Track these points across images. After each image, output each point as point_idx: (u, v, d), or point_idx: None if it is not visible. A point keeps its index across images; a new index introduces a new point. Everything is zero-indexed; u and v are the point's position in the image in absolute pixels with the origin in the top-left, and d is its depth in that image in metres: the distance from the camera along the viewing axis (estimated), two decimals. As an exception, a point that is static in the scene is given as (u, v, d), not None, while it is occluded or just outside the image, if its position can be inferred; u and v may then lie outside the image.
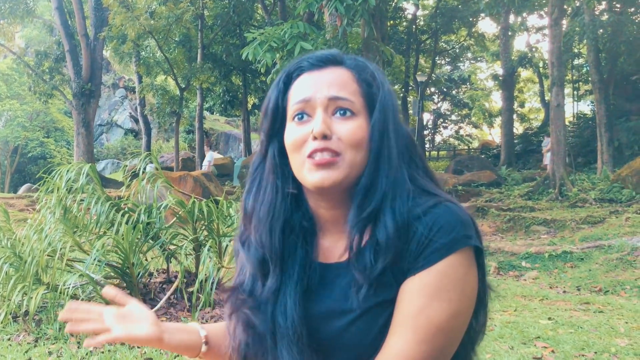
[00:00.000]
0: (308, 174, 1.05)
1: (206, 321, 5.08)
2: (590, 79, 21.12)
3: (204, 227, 5.62)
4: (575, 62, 26.99)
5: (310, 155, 1.04)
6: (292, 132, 1.08)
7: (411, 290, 1.00)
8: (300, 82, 1.10)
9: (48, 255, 5.07)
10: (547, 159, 17.38)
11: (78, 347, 4.44)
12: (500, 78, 28.08)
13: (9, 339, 4.74)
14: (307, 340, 1.06)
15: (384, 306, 1.02)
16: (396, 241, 1.01)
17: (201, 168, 21.51)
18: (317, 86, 1.07)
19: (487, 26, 78.15)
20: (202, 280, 5.14)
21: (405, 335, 0.98)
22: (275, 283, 1.10)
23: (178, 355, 4.22)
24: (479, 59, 38.96)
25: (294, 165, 1.09)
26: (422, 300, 0.98)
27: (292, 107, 1.09)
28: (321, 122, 1.04)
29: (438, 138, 44.93)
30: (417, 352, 0.97)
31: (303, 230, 1.13)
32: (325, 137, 1.03)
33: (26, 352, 4.37)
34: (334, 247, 1.12)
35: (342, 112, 1.06)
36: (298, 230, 1.12)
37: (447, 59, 38.12)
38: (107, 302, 1.21)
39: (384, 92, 1.09)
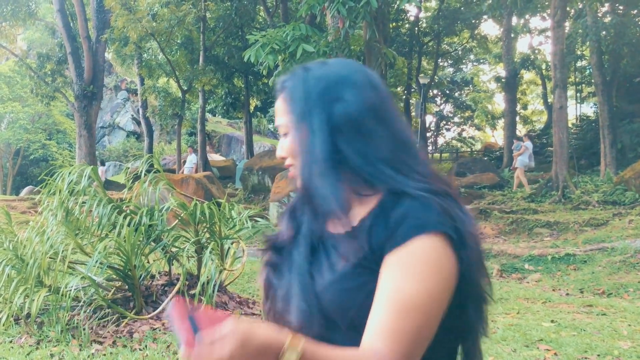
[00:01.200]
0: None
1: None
2: (593, 81, 21.10)
3: (206, 230, 5.62)
4: (578, 64, 26.94)
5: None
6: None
7: (388, 268, 1.09)
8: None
9: (50, 258, 5.07)
10: (517, 162, 17.27)
11: (80, 350, 4.43)
12: (502, 80, 28.06)
13: (11, 342, 4.73)
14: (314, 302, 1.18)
15: (360, 272, 1.13)
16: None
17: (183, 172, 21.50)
18: (278, 116, 1.30)
19: (489, 28, 78.14)
20: (204, 283, 5.13)
21: (385, 310, 1.07)
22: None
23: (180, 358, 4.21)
24: (481, 61, 38.97)
25: None
26: (397, 276, 1.07)
27: None
28: (278, 148, 1.31)
29: (441, 140, 44.95)
30: (396, 326, 1.06)
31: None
32: (283, 157, 1.30)
33: (28, 354, 4.36)
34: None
35: (283, 135, 1.29)
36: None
37: (449, 61, 38.13)
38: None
39: (297, 96, 1.25)
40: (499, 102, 42.22)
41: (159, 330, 4.89)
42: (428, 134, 38.77)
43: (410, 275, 1.07)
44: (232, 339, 0.97)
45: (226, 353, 0.96)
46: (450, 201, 1.14)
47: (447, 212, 1.11)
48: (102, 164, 24.73)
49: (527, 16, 26.12)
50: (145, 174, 5.86)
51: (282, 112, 1.28)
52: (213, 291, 5.09)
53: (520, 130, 34.71)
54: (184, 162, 22.82)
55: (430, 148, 39.25)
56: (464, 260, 1.11)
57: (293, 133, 1.25)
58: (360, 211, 1.21)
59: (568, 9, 19.12)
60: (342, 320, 1.15)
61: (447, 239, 1.09)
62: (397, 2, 10.57)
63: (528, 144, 17.43)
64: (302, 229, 1.31)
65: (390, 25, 24.30)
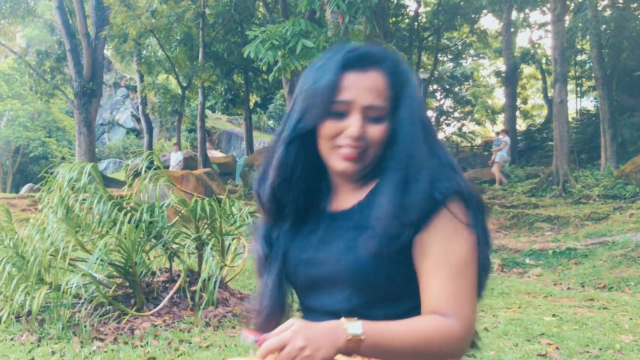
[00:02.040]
0: (335, 161, 1.27)
1: (209, 320, 5.07)
2: (593, 75, 21.05)
3: (206, 226, 5.62)
4: (578, 58, 26.89)
5: (340, 147, 1.26)
6: (330, 125, 1.26)
7: (429, 240, 1.20)
8: (345, 82, 1.25)
9: (50, 255, 5.07)
10: (497, 157, 17.52)
11: (81, 347, 4.43)
12: (502, 75, 28.02)
13: (12, 339, 4.73)
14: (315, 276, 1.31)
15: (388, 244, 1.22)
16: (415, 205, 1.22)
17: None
18: (358, 91, 1.24)
19: (489, 23, 77.88)
20: (205, 279, 5.13)
21: (441, 275, 1.18)
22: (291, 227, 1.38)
23: (182, 354, 4.21)
24: (481, 55, 38.88)
25: (323, 148, 1.29)
26: (443, 243, 1.19)
27: (335, 102, 1.25)
28: (358, 127, 1.23)
29: (441, 135, 44.90)
30: (456, 286, 1.18)
31: (320, 190, 1.39)
32: (357, 138, 1.24)
33: (29, 351, 4.36)
34: (343, 201, 1.35)
35: (374, 119, 1.24)
36: (313, 189, 1.38)
37: (449, 56, 38.05)
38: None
39: (411, 92, 1.27)
40: (499, 97, 42.19)
41: (160, 327, 4.88)
42: (428, 129, 38.59)
43: (454, 237, 1.19)
44: (297, 325, 1.11)
45: (288, 335, 1.09)
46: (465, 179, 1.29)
47: (468, 184, 1.26)
48: None
49: (527, 10, 26.11)
50: (145, 171, 5.86)
51: (384, 95, 1.25)
52: (214, 287, 5.09)
53: (520, 125, 34.67)
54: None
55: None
56: (480, 229, 1.24)
57: (391, 123, 1.25)
58: (360, 193, 1.33)
59: (568, 2, 19.10)
60: (381, 291, 1.25)
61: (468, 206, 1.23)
62: (397, -3, 10.54)
63: (507, 139, 17.95)
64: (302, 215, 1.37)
65: (390, 20, 24.25)
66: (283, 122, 1.35)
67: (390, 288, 1.25)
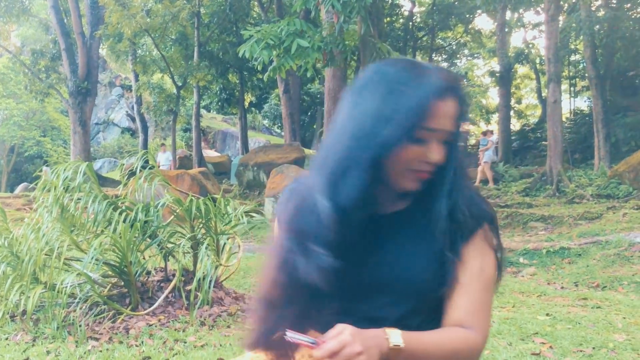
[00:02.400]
0: (406, 182, 1.30)
1: (204, 319, 5.08)
2: (587, 75, 21.11)
3: (201, 225, 5.62)
4: (572, 58, 26.95)
5: (416, 170, 1.28)
6: (412, 149, 1.26)
7: (468, 256, 1.30)
8: (434, 109, 1.24)
9: (45, 254, 5.07)
10: (486, 157, 17.66)
11: (76, 346, 4.44)
12: (497, 74, 28.04)
13: (6, 339, 4.73)
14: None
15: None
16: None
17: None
18: (444, 120, 1.26)
19: (483, 23, 77.99)
20: (200, 279, 5.14)
21: (472, 290, 1.29)
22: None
23: (177, 354, 4.22)
24: (475, 55, 38.92)
25: (395, 168, 1.28)
26: (479, 259, 1.30)
27: (420, 128, 1.24)
28: (442, 155, 1.27)
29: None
30: (483, 301, 1.30)
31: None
32: (435, 164, 1.29)
33: (24, 351, 4.37)
34: (390, 205, 1.37)
35: (437, 140, 1.27)
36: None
37: (444, 56, 38.08)
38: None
39: (465, 120, 1.33)
40: (493, 97, 42.26)
41: (155, 327, 4.89)
42: (423, 129, 38.68)
43: (486, 255, 1.31)
44: (351, 329, 1.15)
45: (349, 338, 1.13)
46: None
47: (493, 210, 1.37)
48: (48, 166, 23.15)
49: (521, 10, 26.15)
50: (140, 170, 5.86)
51: (452, 120, 1.28)
52: (209, 287, 5.10)
53: (514, 124, 34.74)
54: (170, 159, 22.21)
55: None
56: (500, 252, 1.39)
57: (456, 146, 1.31)
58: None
59: (562, 3, 19.15)
60: (426, 301, 1.32)
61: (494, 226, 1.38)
62: (392, -3, 10.55)
63: (493, 138, 18.07)
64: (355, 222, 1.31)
65: (385, 20, 24.27)
66: (347, 135, 1.28)
67: (433, 298, 1.31)
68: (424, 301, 1.30)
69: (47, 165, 22.31)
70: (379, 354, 1.15)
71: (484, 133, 19.71)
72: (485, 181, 17.66)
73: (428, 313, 1.32)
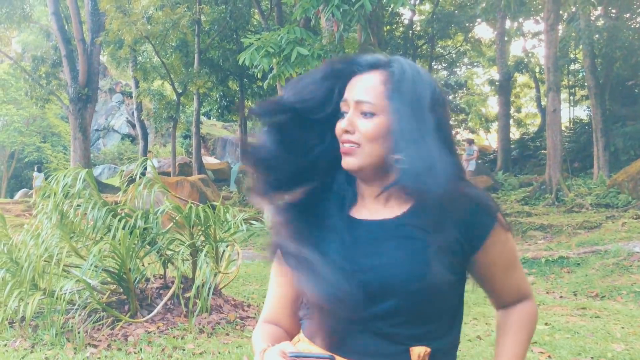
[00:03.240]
0: (342, 158, 1.31)
1: (203, 327, 5.08)
2: (586, 84, 21.15)
3: (200, 233, 5.63)
4: (572, 67, 27.02)
5: (342, 143, 1.31)
6: (337, 125, 1.32)
7: (496, 252, 1.33)
8: (349, 85, 1.33)
9: (45, 261, 5.07)
10: (471, 166, 17.79)
11: (75, 353, 4.43)
12: (496, 83, 28.12)
13: (5, 345, 4.73)
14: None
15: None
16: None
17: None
18: (353, 90, 1.31)
19: (483, 31, 78.20)
20: (199, 286, 5.14)
21: (514, 272, 1.40)
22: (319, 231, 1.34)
23: (175, 361, 4.22)
24: (475, 64, 39.00)
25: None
26: (506, 250, 1.36)
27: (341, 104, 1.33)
28: (346, 120, 1.29)
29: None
30: (521, 273, 1.43)
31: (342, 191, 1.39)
32: (347, 132, 1.29)
33: (23, 357, 4.36)
34: (374, 210, 1.35)
35: (364, 113, 1.29)
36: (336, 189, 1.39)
37: (443, 64, 38.16)
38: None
39: (406, 90, 1.28)
40: (492, 105, 42.27)
41: (154, 334, 4.89)
42: (422, 137, 38.64)
43: (508, 242, 1.36)
44: None
45: None
46: None
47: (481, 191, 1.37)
48: (39, 170, 22.61)
49: (520, 19, 26.23)
50: (140, 177, 5.87)
51: (375, 91, 1.29)
52: (208, 294, 5.10)
53: (514, 133, 34.78)
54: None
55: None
56: None
57: (387, 119, 1.27)
58: (397, 203, 1.34)
59: (561, 12, 19.21)
60: (427, 306, 1.29)
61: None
62: (391, 5, 10.59)
63: (475, 147, 18.22)
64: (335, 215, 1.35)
65: (385, 29, 24.33)
66: None
67: (436, 304, 1.28)
68: (421, 306, 1.26)
69: (39, 171, 22.28)
70: None
71: (469, 142, 19.79)
72: (489, 189, 17.68)
73: (425, 324, 1.28)
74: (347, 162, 1.30)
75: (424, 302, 1.25)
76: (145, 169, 6.12)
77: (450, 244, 1.27)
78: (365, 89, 1.29)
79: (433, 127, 1.27)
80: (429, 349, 1.24)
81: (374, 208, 1.35)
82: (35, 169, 23.22)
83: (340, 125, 1.30)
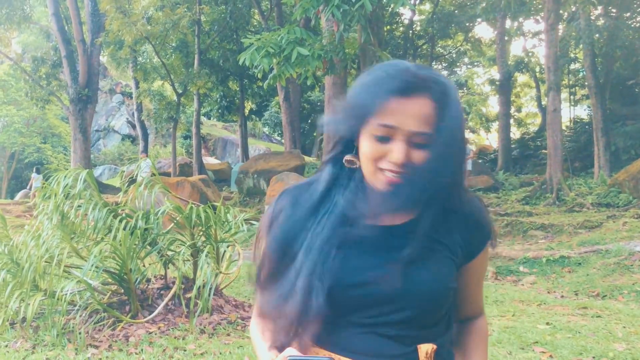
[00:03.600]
0: (378, 183, 1.26)
1: (204, 327, 5.07)
2: (586, 83, 21.18)
3: (201, 233, 5.62)
4: (572, 66, 27.02)
5: (383, 170, 1.25)
6: (372, 148, 1.25)
7: (478, 263, 1.40)
8: (389, 106, 1.22)
9: (45, 262, 5.07)
10: (468, 166, 17.81)
11: (76, 354, 4.43)
12: (497, 83, 28.13)
13: (6, 346, 4.73)
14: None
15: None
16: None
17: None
18: (403, 117, 1.21)
19: (483, 31, 78.34)
20: (200, 286, 5.13)
21: (480, 285, 1.47)
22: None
23: (176, 362, 4.22)
24: (475, 63, 39.02)
25: (366, 168, 1.28)
26: (485, 263, 1.44)
27: (376, 126, 1.23)
28: (402, 154, 1.22)
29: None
30: (482, 289, 1.49)
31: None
32: (402, 164, 1.23)
33: (24, 358, 4.36)
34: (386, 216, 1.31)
35: (416, 145, 1.22)
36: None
37: (443, 64, 38.17)
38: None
39: (453, 116, 1.24)
40: (493, 105, 42.32)
41: (155, 334, 4.89)
42: (423, 137, 38.69)
43: (488, 256, 1.44)
44: None
45: None
46: None
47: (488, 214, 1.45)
48: (37, 171, 22.58)
49: (520, 19, 26.22)
50: (140, 177, 5.87)
51: (430, 122, 1.22)
52: (209, 295, 5.10)
53: (514, 133, 34.79)
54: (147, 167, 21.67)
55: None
56: None
57: (437, 150, 1.22)
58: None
59: (561, 12, 19.21)
60: (435, 313, 1.32)
61: None
62: (392, 5, 10.59)
63: (471, 147, 18.19)
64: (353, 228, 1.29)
65: (385, 29, 24.33)
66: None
67: (444, 309, 1.32)
68: (431, 314, 1.29)
69: (37, 172, 22.31)
70: None
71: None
72: (489, 189, 17.71)
73: (431, 328, 1.31)
74: (388, 188, 1.25)
75: (437, 310, 1.29)
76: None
77: (456, 251, 1.32)
78: (420, 119, 1.22)
79: (463, 153, 1.29)
80: (435, 346, 1.26)
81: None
82: (34, 170, 23.24)
83: (394, 157, 1.22)
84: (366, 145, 1.25)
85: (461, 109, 1.28)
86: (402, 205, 1.26)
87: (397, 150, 1.22)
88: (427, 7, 30.82)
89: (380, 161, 1.24)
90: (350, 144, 1.33)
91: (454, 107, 1.24)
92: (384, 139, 1.23)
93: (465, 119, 1.36)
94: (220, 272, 5.66)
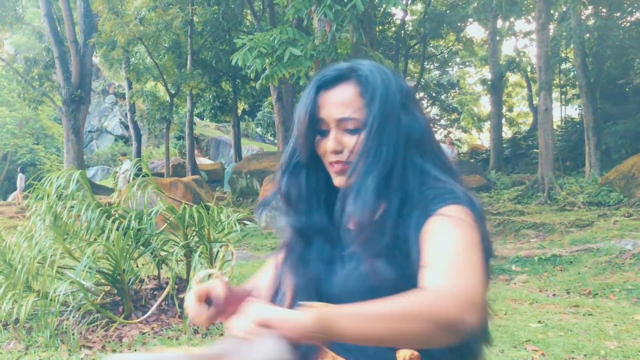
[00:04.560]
0: (333, 177, 1.29)
1: (198, 328, 5.08)
2: (577, 83, 21.27)
3: (194, 233, 5.63)
4: (563, 66, 27.15)
5: (331, 164, 1.28)
6: (317, 145, 1.28)
7: (427, 234, 1.14)
8: (319, 102, 1.27)
9: (38, 263, 5.06)
10: None
11: (69, 355, 4.43)
12: (488, 82, 28.21)
13: (-1, 347, 4.73)
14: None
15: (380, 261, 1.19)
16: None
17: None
18: (328, 107, 1.26)
19: (475, 31, 78.51)
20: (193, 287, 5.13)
21: (437, 256, 1.10)
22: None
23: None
24: (467, 63, 39.11)
25: (326, 165, 1.30)
26: (438, 234, 1.13)
27: (317, 123, 1.27)
28: (332, 141, 1.25)
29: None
30: (451, 262, 1.09)
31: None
32: (337, 152, 1.25)
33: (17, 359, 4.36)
34: None
35: (349, 130, 1.25)
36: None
37: (435, 64, 38.24)
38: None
39: (382, 97, 1.23)
40: (485, 105, 42.41)
41: (148, 335, 4.89)
42: (415, 137, 38.73)
43: (451, 228, 1.11)
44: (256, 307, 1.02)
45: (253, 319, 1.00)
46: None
47: (471, 197, 1.22)
48: (22, 171, 22.81)
49: (512, 19, 26.30)
50: (133, 178, 5.87)
51: (354, 106, 1.24)
52: (202, 295, 5.09)
53: (506, 132, 34.90)
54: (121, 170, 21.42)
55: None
56: (482, 236, 1.17)
57: (365, 134, 1.22)
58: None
59: (552, 12, 19.30)
60: None
61: (471, 211, 1.17)
62: (384, 6, 10.61)
63: (454, 149, 18.20)
64: (319, 223, 1.33)
65: (377, 29, 24.37)
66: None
67: None
68: None
69: (22, 172, 22.27)
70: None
71: (453, 143, 19.78)
72: (482, 188, 17.76)
73: None
74: (342, 181, 1.26)
75: None
76: (140, 169, 6.12)
77: (407, 242, 1.17)
78: (343, 105, 1.25)
79: (398, 141, 1.23)
80: (416, 352, 1.14)
81: None
82: (19, 170, 23.19)
83: (327, 145, 1.26)
84: (317, 144, 1.29)
85: (395, 87, 1.26)
86: (356, 197, 1.21)
87: (331, 141, 1.25)
88: (419, 7, 30.88)
89: (325, 156, 1.28)
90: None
91: (382, 86, 1.24)
92: (322, 133, 1.27)
93: (408, 97, 1.27)
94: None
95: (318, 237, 1.33)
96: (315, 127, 1.28)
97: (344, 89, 1.26)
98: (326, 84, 1.27)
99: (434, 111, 43.33)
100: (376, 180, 1.20)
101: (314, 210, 1.34)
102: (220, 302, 1.29)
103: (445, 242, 1.09)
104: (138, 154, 26.93)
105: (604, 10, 19.99)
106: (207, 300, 1.28)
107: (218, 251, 5.80)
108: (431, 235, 1.12)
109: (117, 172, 9.68)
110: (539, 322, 5.56)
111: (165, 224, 5.85)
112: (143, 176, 5.98)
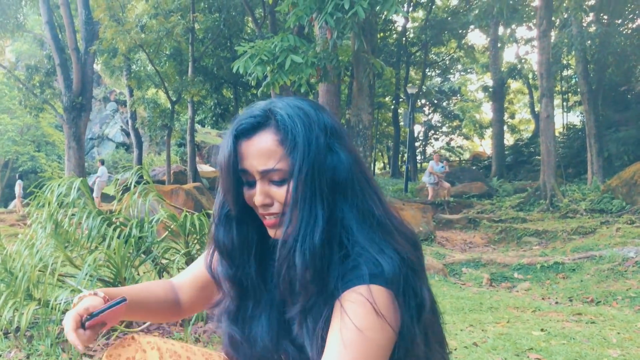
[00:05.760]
0: (268, 229, 1.23)
1: (199, 336, 5.06)
2: (579, 90, 21.30)
3: (196, 241, 5.61)
4: (564, 73, 27.21)
5: (262, 216, 1.22)
6: (247, 195, 1.23)
7: (336, 309, 1.12)
8: (240, 150, 1.20)
9: (39, 271, 5.05)
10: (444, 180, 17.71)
11: (70, 363, 4.41)
12: (490, 89, 28.26)
13: (0, 356, 4.71)
14: None
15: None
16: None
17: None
18: (250, 159, 1.18)
19: (476, 38, 78.78)
20: (194, 295, 5.11)
21: (330, 346, 1.11)
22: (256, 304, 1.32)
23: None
24: (469, 70, 39.21)
25: (259, 215, 1.25)
26: (342, 316, 1.10)
27: (240, 173, 1.21)
28: (259, 195, 1.19)
29: (429, 150, 45.13)
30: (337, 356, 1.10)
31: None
32: (266, 205, 1.19)
33: (17, 368, 4.34)
34: None
35: (275, 182, 1.18)
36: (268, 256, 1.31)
37: (437, 71, 38.35)
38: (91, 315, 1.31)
39: (304, 144, 1.15)
40: (486, 112, 42.51)
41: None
42: (417, 144, 38.90)
43: (352, 314, 1.07)
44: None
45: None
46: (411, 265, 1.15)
47: (392, 258, 1.13)
48: (20, 178, 22.88)
49: (513, 26, 26.42)
50: (134, 185, 5.86)
51: (276, 156, 1.16)
52: (204, 303, 5.08)
53: (508, 139, 34.90)
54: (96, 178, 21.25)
55: (419, 157, 39.37)
56: (404, 317, 1.12)
57: (293, 184, 1.15)
58: None
59: (553, 18, 19.32)
60: None
61: (384, 287, 1.10)
62: (385, 13, 10.62)
63: (444, 165, 18.30)
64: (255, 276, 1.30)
65: (378, 36, 24.42)
66: None
67: None
68: None
69: (20, 178, 22.32)
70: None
71: (447, 159, 19.80)
72: (483, 195, 17.73)
73: None
74: (276, 234, 1.21)
75: None
76: (141, 177, 6.11)
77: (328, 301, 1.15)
78: (264, 156, 1.17)
79: (323, 190, 1.15)
80: None
81: None
82: (18, 177, 23.26)
83: (255, 199, 1.19)
84: (245, 194, 1.24)
85: (318, 128, 1.18)
86: (287, 253, 1.16)
87: (258, 194, 1.19)
88: (420, 14, 30.98)
89: (255, 208, 1.23)
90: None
91: (302, 130, 1.16)
92: (250, 184, 1.22)
93: (332, 135, 1.18)
94: (215, 280, 5.65)
95: (250, 290, 1.31)
96: (240, 178, 1.21)
97: (263, 137, 1.18)
98: (244, 133, 1.20)
99: (435, 118, 43.41)
100: (318, 234, 1.13)
101: (246, 263, 1.29)
102: (101, 318, 1.28)
103: (335, 341, 1.08)
104: (139, 161, 26.94)
105: (606, 17, 20.02)
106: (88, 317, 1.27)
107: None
108: (331, 326, 1.11)
109: (117, 179, 9.66)
110: (542, 330, 5.53)
111: (167, 232, 5.83)
112: (144, 184, 5.96)
